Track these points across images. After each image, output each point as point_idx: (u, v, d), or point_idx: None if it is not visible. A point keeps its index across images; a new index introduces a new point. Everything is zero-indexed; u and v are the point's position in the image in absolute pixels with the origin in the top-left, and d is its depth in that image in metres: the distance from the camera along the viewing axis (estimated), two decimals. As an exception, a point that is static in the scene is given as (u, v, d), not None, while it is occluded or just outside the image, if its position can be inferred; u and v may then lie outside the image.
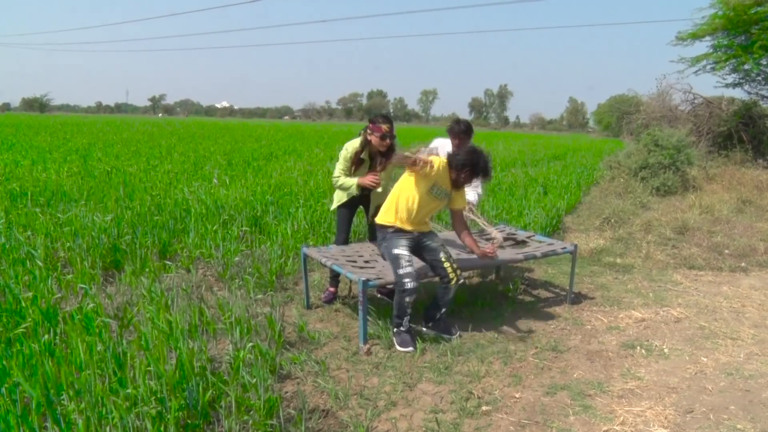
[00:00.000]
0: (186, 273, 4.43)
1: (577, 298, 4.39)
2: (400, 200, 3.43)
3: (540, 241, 4.50)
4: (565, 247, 4.25)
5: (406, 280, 3.25)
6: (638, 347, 3.46)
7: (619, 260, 5.57)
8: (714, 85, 36.60)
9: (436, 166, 3.34)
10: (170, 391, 2.34)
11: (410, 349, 3.31)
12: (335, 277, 4.16)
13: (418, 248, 3.49)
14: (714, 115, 12.77)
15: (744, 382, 3.02)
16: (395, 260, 3.31)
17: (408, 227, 3.44)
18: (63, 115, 65.28)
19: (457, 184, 3.45)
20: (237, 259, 4.62)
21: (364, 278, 3.25)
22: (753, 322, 3.96)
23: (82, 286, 3.61)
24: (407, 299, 3.28)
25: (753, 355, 3.37)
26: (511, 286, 4.53)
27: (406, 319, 3.36)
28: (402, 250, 3.34)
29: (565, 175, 11.43)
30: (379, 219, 3.52)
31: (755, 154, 11.93)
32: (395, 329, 3.40)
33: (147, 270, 4.25)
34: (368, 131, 3.85)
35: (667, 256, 5.67)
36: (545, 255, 4.14)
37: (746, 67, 12.13)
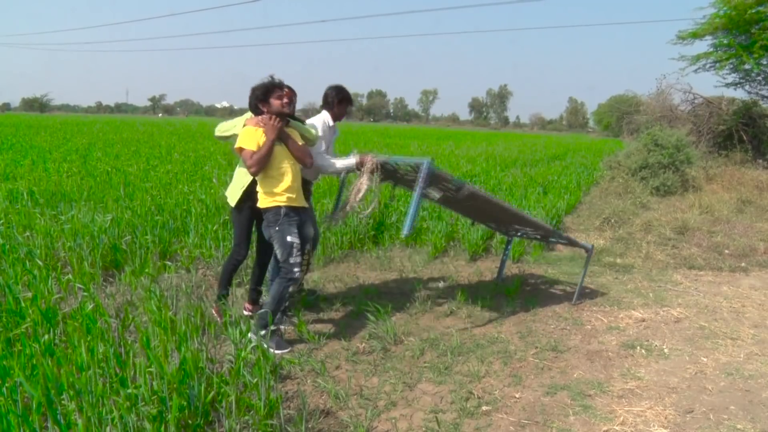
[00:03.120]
0: (186, 273, 4.43)
1: (577, 298, 4.39)
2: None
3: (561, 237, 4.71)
4: (585, 245, 4.42)
5: (296, 269, 3.23)
6: (638, 347, 3.46)
7: (619, 260, 5.57)
8: (714, 85, 36.59)
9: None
10: (172, 391, 2.35)
11: (288, 350, 3.24)
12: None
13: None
14: (714, 115, 12.76)
15: (744, 382, 3.03)
16: (289, 247, 3.21)
17: (297, 204, 3.33)
18: (63, 115, 65.28)
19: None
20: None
21: (429, 159, 3.25)
22: (753, 322, 3.96)
23: (81, 286, 3.62)
24: (291, 289, 3.27)
25: (753, 355, 3.38)
26: (511, 287, 4.54)
27: (280, 315, 3.28)
28: (296, 237, 3.25)
29: (565, 175, 11.43)
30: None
31: (755, 154, 11.93)
32: (270, 328, 3.11)
33: (147, 270, 4.25)
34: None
35: (667, 256, 5.67)
36: (565, 240, 4.46)
37: (746, 66, 12.15)
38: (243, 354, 2.74)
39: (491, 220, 4.51)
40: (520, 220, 4.09)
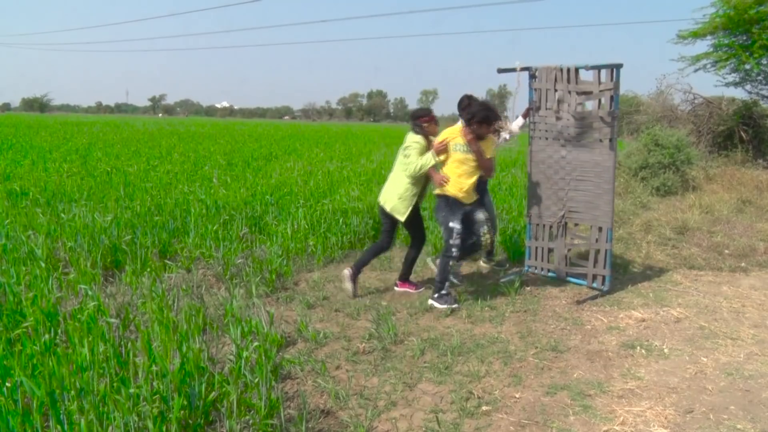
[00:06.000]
0: (186, 273, 4.43)
1: (584, 301, 4.39)
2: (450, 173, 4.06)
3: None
4: (604, 285, 4.51)
5: (454, 249, 3.99)
6: (638, 347, 3.47)
7: (619, 260, 5.57)
8: (714, 85, 36.59)
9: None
10: (174, 391, 2.35)
11: (456, 305, 4.01)
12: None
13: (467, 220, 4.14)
14: (714, 115, 12.74)
15: (744, 382, 3.03)
16: (450, 231, 3.98)
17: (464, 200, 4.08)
18: (63, 115, 65.28)
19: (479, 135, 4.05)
20: (240, 261, 4.62)
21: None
22: (753, 322, 3.96)
23: (83, 286, 3.62)
24: (451, 263, 4.05)
25: (753, 355, 3.38)
26: (511, 287, 4.54)
27: (447, 283, 4.06)
28: (457, 224, 3.98)
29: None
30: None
31: (755, 154, 11.90)
32: (436, 294, 4.05)
33: (147, 270, 4.26)
34: (423, 124, 4.28)
35: (667, 256, 5.67)
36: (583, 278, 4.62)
37: (747, 66, 12.11)
38: (244, 354, 2.74)
39: (564, 194, 4.65)
40: (601, 203, 4.43)
